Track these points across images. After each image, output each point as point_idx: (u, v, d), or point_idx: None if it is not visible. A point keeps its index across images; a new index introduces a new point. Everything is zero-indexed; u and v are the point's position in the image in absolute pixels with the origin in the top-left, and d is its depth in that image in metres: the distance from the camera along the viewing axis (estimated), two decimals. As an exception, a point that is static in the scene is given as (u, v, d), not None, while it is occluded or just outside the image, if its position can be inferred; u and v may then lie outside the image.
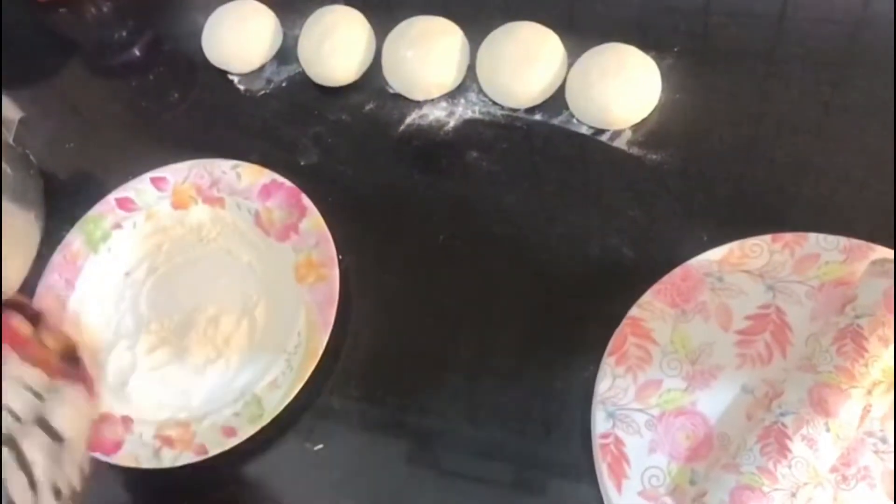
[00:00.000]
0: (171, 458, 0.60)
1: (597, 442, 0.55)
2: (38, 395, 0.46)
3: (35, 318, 0.53)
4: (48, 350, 0.52)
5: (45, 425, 0.46)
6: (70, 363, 0.53)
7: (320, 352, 0.61)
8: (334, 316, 0.62)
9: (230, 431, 0.60)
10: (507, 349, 0.62)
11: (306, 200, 0.67)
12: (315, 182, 0.71)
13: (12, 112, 0.72)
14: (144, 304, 0.68)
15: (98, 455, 0.61)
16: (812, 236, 0.58)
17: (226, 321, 0.65)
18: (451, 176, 0.70)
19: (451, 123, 0.71)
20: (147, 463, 0.60)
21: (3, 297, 0.55)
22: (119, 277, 0.70)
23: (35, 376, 0.47)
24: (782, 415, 0.50)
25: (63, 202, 0.74)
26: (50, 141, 0.79)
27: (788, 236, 0.58)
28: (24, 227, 0.71)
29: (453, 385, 0.62)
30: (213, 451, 0.59)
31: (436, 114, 0.72)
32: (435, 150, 0.71)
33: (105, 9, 0.89)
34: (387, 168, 0.71)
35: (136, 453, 0.61)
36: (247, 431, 0.59)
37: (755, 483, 0.48)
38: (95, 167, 0.78)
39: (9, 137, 0.70)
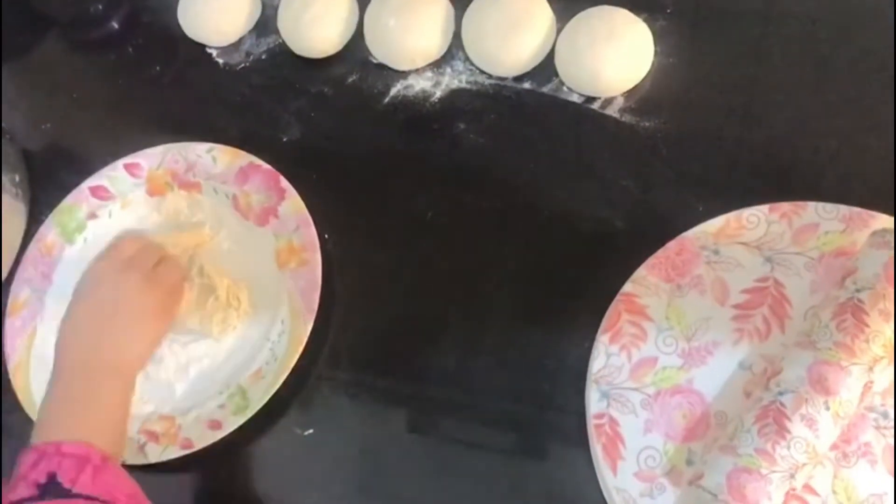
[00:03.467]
0: (157, 453, 0.59)
1: (591, 422, 0.54)
2: None
3: None
4: None
5: None
6: None
7: (305, 339, 0.59)
8: (318, 302, 0.60)
9: (216, 424, 0.59)
10: (497, 327, 0.61)
11: (285, 183, 0.65)
12: (298, 158, 0.69)
13: None
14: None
15: None
16: (811, 205, 0.56)
17: (207, 310, 0.64)
18: (438, 148, 0.68)
19: (438, 94, 0.69)
20: (132, 459, 0.59)
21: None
22: None
23: None
24: (780, 394, 0.48)
25: (42, 186, 0.72)
26: (27, 121, 0.77)
27: (786, 206, 0.56)
28: (11, 189, 0.69)
29: (444, 365, 0.60)
30: (199, 445, 0.58)
31: (421, 84, 0.70)
32: (421, 121, 0.69)
33: (79, -19, 0.86)
34: (372, 142, 0.69)
35: None
36: (232, 424, 0.58)
37: (753, 465, 0.47)
38: (74, 147, 0.76)
39: None
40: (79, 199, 0.69)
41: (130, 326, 0.58)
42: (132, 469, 0.58)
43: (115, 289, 0.59)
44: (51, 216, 0.69)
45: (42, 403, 0.55)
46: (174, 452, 0.59)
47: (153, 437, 0.60)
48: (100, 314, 0.58)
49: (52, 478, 0.48)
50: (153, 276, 0.60)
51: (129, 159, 0.69)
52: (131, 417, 0.61)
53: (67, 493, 0.48)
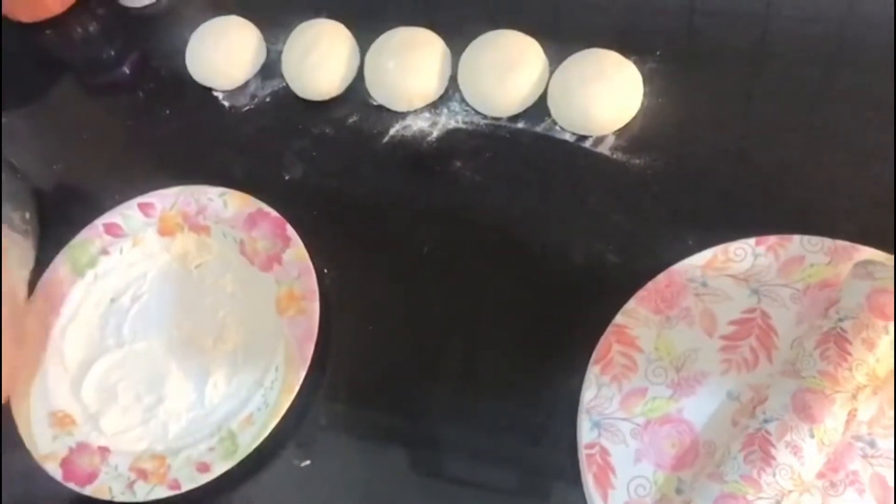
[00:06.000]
0: (145, 492, 0.60)
1: (582, 452, 0.55)
2: None
3: None
4: None
5: None
6: None
7: (297, 388, 0.60)
8: (312, 353, 0.61)
9: (204, 467, 0.59)
10: (493, 359, 0.62)
11: (291, 231, 0.66)
12: (299, 196, 0.71)
13: None
14: (128, 331, 0.68)
15: (72, 486, 0.61)
16: (796, 238, 0.57)
17: (207, 351, 0.65)
18: (435, 186, 0.69)
19: (435, 133, 0.71)
20: (120, 496, 0.60)
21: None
22: (104, 303, 0.70)
23: None
24: (766, 421, 0.49)
25: (51, 224, 0.74)
26: (38, 161, 0.79)
27: (772, 239, 0.58)
28: (20, 226, 0.71)
29: (441, 397, 0.61)
30: (186, 487, 0.59)
31: (419, 124, 0.72)
32: (419, 160, 0.71)
33: (91, 28, 0.89)
34: (371, 180, 0.71)
35: (110, 485, 0.61)
36: (220, 468, 0.59)
37: (739, 491, 0.47)
38: (83, 188, 0.78)
39: None
40: (92, 235, 0.71)
41: None
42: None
43: None
44: (64, 250, 0.70)
45: None
46: (162, 492, 0.60)
47: (143, 474, 0.61)
48: None
49: None
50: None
51: (143, 199, 0.71)
52: (124, 454, 0.62)
53: None
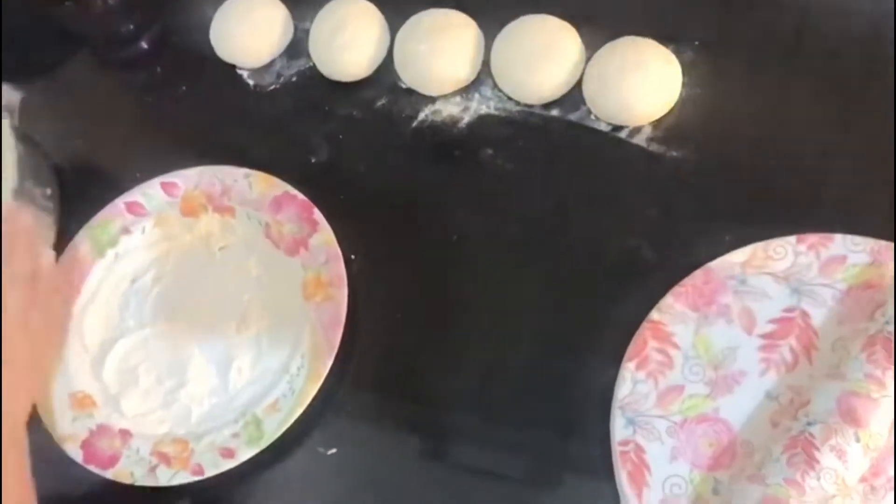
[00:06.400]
0: (167, 477, 0.59)
1: (616, 449, 0.54)
2: None
3: None
4: None
5: None
6: None
7: (323, 376, 0.59)
8: (339, 340, 0.60)
9: (228, 453, 0.59)
10: (521, 352, 0.61)
11: (318, 215, 0.65)
12: (326, 179, 0.69)
13: (12, 95, 0.70)
14: (149, 312, 0.67)
15: (93, 468, 0.60)
16: (838, 237, 0.56)
17: (231, 336, 0.64)
18: (464, 173, 0.68)
19: (466, 119, 0.70)
20: (143, 480, 0.59)
21: None
22: (125, 283, 0.69)
23: None
24: (809, 424, 0.48)
25: (72, 201, 0.73)
26: (58, 137, 0.77)
27: (814, 237, 0.57)
28: (42, 203, 0.70)
29: (467, 389, 0.60)
30: (210, 473, 0.58)
31: (449, 109, 0.70)
32: (448, 146, 0.69)
33: (111, 1, 0.87)
34: (399, 165, 0.70)
35: (132, 469, 0.60)
36: (245, 454, 0.58)
37: (782, 495, 0.47)
38: (103, 165, 0.77)
39: (14, 120, 0.68)
40: (113, 214, 0.69)
41: (20, 367, 0.53)
42: (142, 490, 0.59)
43: None
44: (84, 228, 0.69)
45: None
46: (185, 478, 0.59)
47: (165, 459, 0.60)
48: None
49: None
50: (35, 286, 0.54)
51: (166, 178, 0.70)
52: (145, 437, 0.61)
53: None
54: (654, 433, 0.54)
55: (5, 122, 0.67)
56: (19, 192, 0.65)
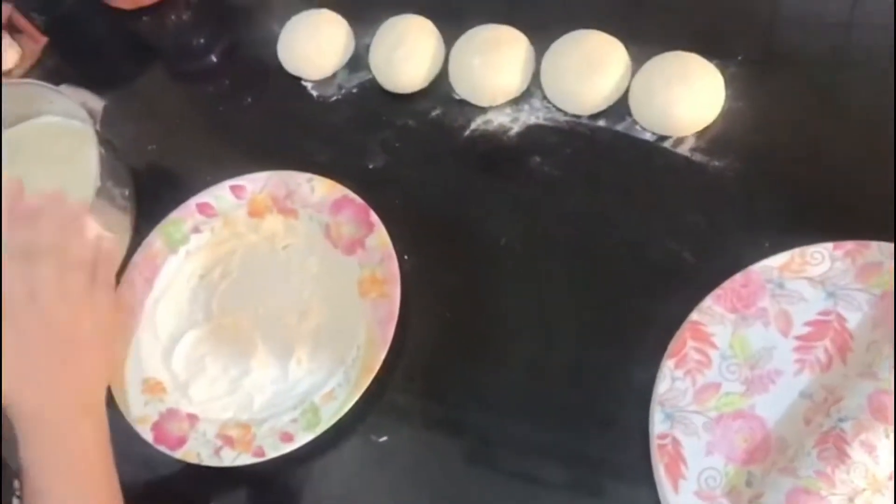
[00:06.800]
0: (231, 458, 0.63)
1: (654, 442, 0.56)
2: None
3: None
4: None
5: None
6: None
7: (377, 368, 0.63)
8: (392, 335, 0.64)
9: (287, 437, 0.63)
10: (566, 351, 0.64)
11: (374, 217, 0.69)
12: (382, 184, 0.73)
13: (96, 102, 0.76)
14: (216, 307, 0.71)
15: (163, 449, 0.65)
16: (874, 245, 0.58)
17: (292, 329, 0.68)
18: (513, 180, 0.72)
19: (515, 129, 0.73)
20: (208, 461, 0.63)
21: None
22: (195, 279, 0.73)
23: None
24: (841, 420, 0.50)
25: (146, 201, 0.78)
26: (133, 142, 0.83)
27: (850, 244, 0.59)
28: (121, 202, 0.75)
29: (512, 384, 0.63)
30: (270, 455, 0.62)
31: (500, 119, 0.74)
32: (498, 154, 0.73)
33: (185, 16, 0.93)
34: (451, 171, 0.74)
35: (199, 450, 0.64)
36: (303, 438, 0.62)
37: (813, 487, 0.49)
38: (175, 169, 0.82)
39: (96, 124, 0.74)
40: (185, 214, 0.74)
41: (90, 345, 0.56)
42: (208, 470, 0.63)
43: (61, 300, 0.53)
44: (159, 226, 0.74)
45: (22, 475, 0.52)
46: (247, 459, 0.63)
47: (229, 441, 0.64)
48: (50, 338, 0.53)
49: None
50: (94, 273, 0.56)
51: (234, 181, 0.75)
52: (211, 421, 0.66)
53: None
54: (690, 428, 0.56)
55: (90, 127, 0.73)
56: (101, 192, 0.70)
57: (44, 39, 0.93)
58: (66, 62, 0.94)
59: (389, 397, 0.65)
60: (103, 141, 0.73)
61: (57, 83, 0.77)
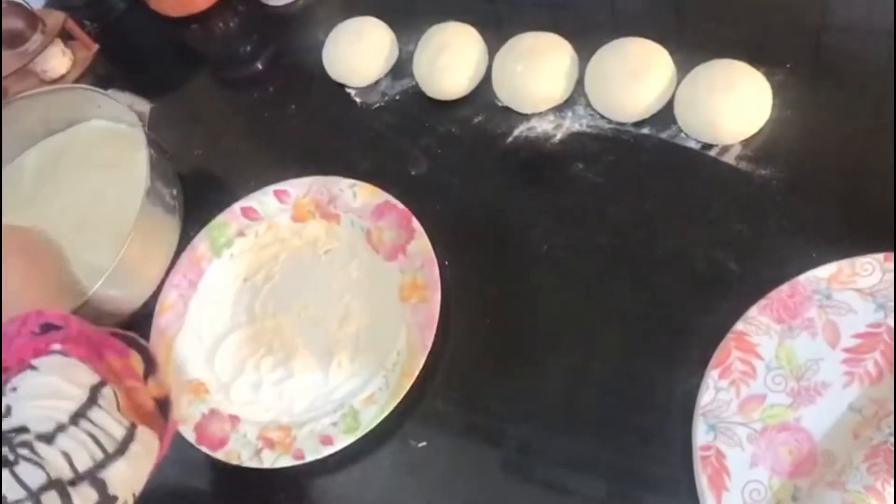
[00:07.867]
0: (271, 460, 0.64)
1: (697, 454, 0.55)
2: (105, 452, 0.48)
3: (151, 364, 0.58)
4: (148, 396, 0.56)
5: (99, 485, 0.47)
6: (162, 412, 0.56)
7: (416, 372, 0.63)
8: (433, 339, 0.64)
9: (327, 440, 0.63)
10: (607, 360, 0.63)
11: (416, 224, 0.69)
12: (424, 190, 0.74)
13: (143, 105, 0.77)
14: (259, 309, 0.72)
15: (205, 449, 0.65)
16: (927, 257, 0.57)
17: (332, 333, 0.69)
18: (556, 187, 0.71)
19: (558, 136, 0.73)
20: (249, 462, 0.64)
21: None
22: (238, 282, 0.74)
23: (115, 427, 0.50)
24: (891, 435, 0.49)
25: (191, 205, 0.80)
26: (179, 147, 0.84)
27: (902, 255, 0.58)
28: (169, 202, 0.76)
29: (552, 393, 0.63)
30: (310, 458, 0.63)
31: (543, 126, 0.74)
32: (541, 161, 0.73)
33: (232, 24, 0.95)
34: (493, 178, 0.74)
35: (239, 451, 0.65)
36: (342, 441, 0.62)
37: (861, 502, 0.47)
38: (220, 172, 0.83)
39: (144, 127, 0.75)
40: (230, 218, 0.76)
41: None
42: (248, 471, 0.64)
43: None
44: (204, 230, 0.75)
45: None
46: (286, 461, 0.63)
47: (269, 443, 0.65)
48: None
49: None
50: None
51: (278, 186, 0.76)
52: (252, 423, 0.66)
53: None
54: (734, 439, 0.55)
55: (138, 130, 0.74)
56: (150, 193, 0.71)
57: (95, 46, 0.96)
58: (116, 69, 0.96)
59: (428, 403, 0.65)
60: (151, 142, 0.74)
61: (106, 89, 0.79)
